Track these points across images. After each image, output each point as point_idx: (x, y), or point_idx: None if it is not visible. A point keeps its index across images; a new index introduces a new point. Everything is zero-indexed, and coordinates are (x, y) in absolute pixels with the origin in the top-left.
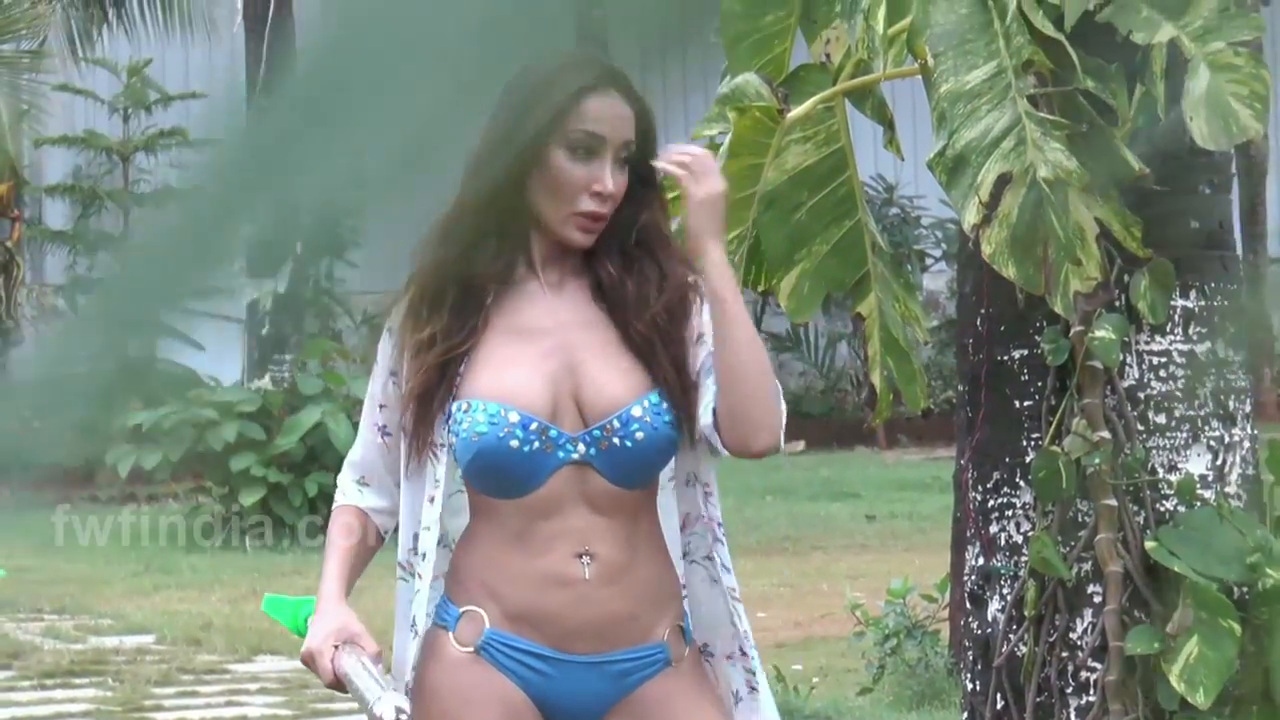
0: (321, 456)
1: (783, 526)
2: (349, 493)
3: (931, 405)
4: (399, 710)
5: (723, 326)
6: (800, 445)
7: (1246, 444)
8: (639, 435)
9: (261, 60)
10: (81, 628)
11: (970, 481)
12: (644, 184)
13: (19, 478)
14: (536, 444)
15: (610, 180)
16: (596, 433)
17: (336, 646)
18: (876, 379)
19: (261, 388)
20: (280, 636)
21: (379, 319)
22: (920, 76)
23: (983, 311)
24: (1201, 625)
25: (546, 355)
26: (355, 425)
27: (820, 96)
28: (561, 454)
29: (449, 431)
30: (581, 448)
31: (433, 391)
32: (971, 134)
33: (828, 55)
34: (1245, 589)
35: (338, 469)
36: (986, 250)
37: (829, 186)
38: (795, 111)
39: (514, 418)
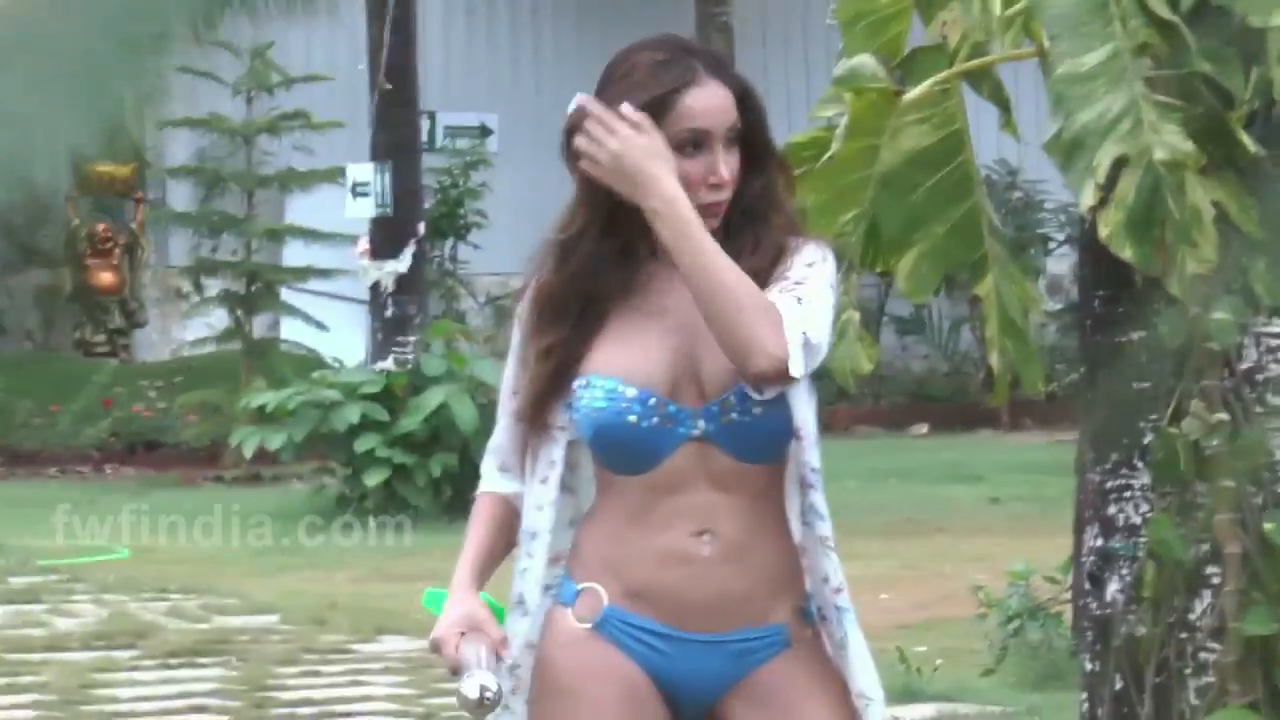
0: (445, 437)
1: (906, 508)
2: (490, 479)
3: (1056, 388)
4: (484, 689)
5: (681, 269)
6: (924, 428)
7: None
8: (756, 410)
9: (383, 44)
10: (206, 607)
11: (1089, 463)
12: (754, 156)
13: None
14: (655, 420)
15: (724, 168)
16: (714, 408)
17: (463, 634)
18: (994, 360)
19: (385, 369)
20: (404, 616)
21: (502, 301)
22: (1037, 59)
23: (1100, 294)
24: None
25: (668, 332)
26: (479, 406)
27: (937, 78)
28: (682, 430)
29: (571, 410)
30: (702, 424)
31: (554, 382)
32: (1088, 116)
33: (944, 37)
34: None
35: (461, 450)
36: (1103, 232)
37: (945, 168)
38: (912, 93)
39: (631, 393)
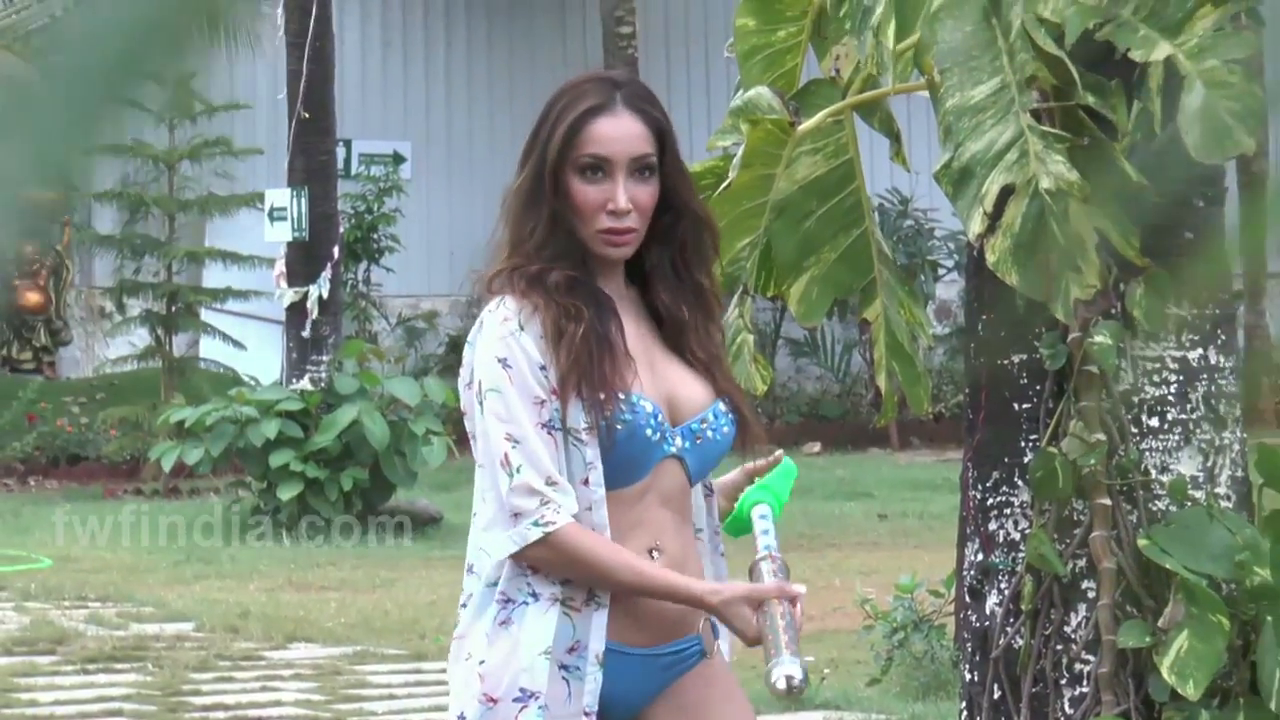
0: (357, 453)
1: (799, 524)
2: (561, 513)
3: (943, 409)
4: (789, 680)
5: None
6: (817, 447)
7: (1236, 447)
8: (725, 430)
9: (301, 75)
10: (123, 615)
11: (971, 480)
12: (667, 200)
13: None
14: (658, 436)
15: (622, 198)
16: (695, 426)
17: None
18: (882, 382)
19: (300, 388)
20: (315, 625)
21: (413, 322)
22: (928, 92)
23: (985, 318)
24: (1192, 620)
25: (638, 354)
26: (390, 423)
27: (830, 110)
28: (666, 446)
29: (596, 418)
30: (679, 440)
31: (582, 378)
32: (976, 147)
33: (837, 70)
34: (1234, 586)
35: (373, 464)
36: (990, 259)
37: (837, 196)
38: (805, 124)
39: (649, 408)
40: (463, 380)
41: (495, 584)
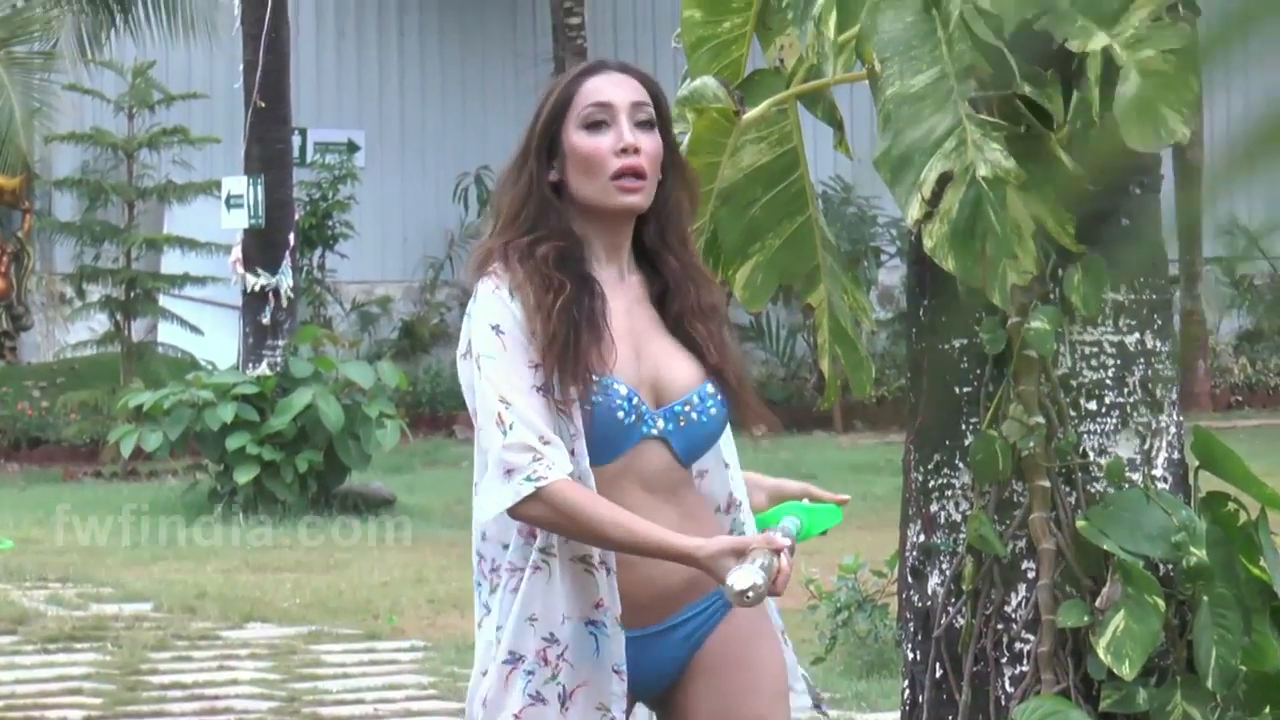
0: (312, 436)
1: None
2: (554, 469)
3: (886, 393)
4: (754, 585)
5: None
6: (762, 429)
7: (1172, 429)
8: (712, 411)
9: (258, 65)
10: (83, 595)
11: (913, 463)
12: (667, 174)
13: None
14: (633, 418)
15: (629, 134)
16: (679, 408)
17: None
18: (825, 366)
19: (257, 373)
20: (270, 605)
21: (367, 307)
22: (869, 81)
23: (925, 303)
24: (1128, 600)
25: (629, 335)
26: (344, 407)
27: (774, 99)
28: (644, 429)
29: (575, 394)
30: (661, 423)
31: (558, 355)
32: (915, 134)
33: (781, 60)
34: (1170, 566)
35: (327, 447)
36: (928, 244)
37: (782, 184)
38: (750, 113)
39: (623, 390)
40: (460, 353)
41: (507, 547)
